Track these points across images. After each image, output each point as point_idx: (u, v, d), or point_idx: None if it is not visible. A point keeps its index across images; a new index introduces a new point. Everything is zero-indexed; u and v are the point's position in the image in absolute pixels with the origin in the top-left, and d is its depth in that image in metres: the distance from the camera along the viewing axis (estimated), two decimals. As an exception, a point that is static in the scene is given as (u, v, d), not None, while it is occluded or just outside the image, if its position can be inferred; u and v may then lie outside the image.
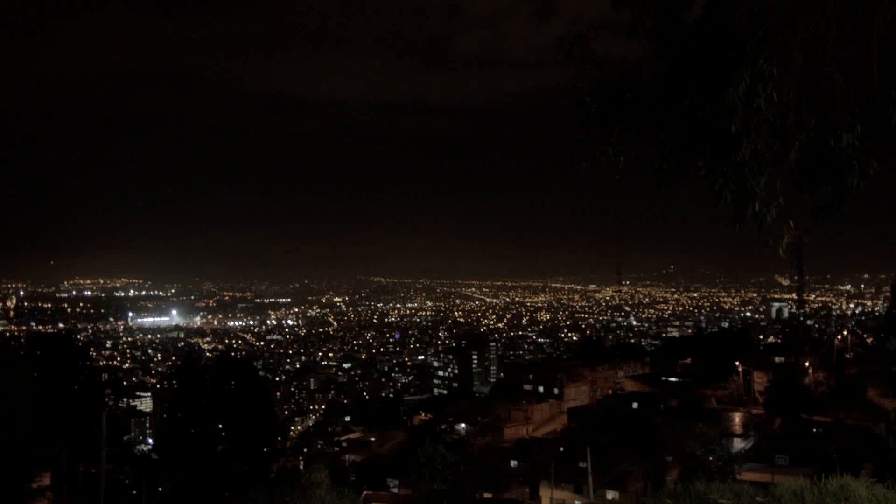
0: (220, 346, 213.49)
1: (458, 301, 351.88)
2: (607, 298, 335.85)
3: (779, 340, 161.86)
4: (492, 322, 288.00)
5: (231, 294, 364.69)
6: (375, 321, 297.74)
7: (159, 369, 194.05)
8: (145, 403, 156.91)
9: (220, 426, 54.64)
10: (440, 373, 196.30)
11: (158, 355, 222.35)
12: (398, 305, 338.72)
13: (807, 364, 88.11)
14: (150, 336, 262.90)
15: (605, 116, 8.24)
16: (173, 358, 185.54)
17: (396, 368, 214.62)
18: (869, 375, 78.84)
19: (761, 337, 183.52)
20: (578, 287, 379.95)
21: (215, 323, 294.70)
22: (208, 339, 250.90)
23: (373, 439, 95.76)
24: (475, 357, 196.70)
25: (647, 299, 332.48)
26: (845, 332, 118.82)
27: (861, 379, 79.33)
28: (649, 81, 8.20)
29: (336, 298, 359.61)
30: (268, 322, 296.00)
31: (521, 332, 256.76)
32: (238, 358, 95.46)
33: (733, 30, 7.61)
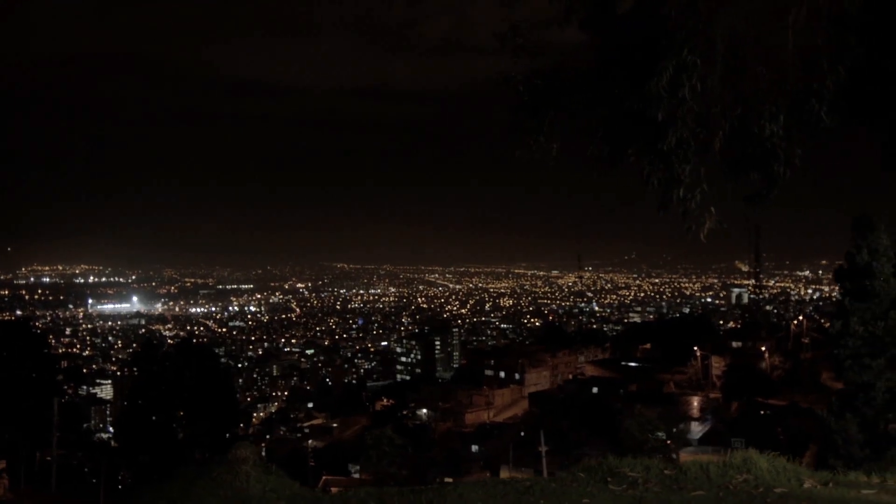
0: (181, 333, 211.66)
1: (421, 287, 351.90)
2: (570, 284, 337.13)
3: (738, 326, 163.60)
4: (455, 308, 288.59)
5: (193, 280, 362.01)
6: (338, 307, 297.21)
7: (120, 356, 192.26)
8: (106, 391, 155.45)
9: (181, 413, 54.46)
10: (403, 359, 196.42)
11: (119, 342, 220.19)
12: (361, 291, 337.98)
13: (763, 349, 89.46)
14: (110, 323, 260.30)
15: (537, 105, 8.45)
16: (134, 345, 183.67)
17: (359, 354, 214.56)
18: (823, 359, 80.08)
19: (721, 322, 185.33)
20: (541, 273, 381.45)
21: (177, 310, 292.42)
22: (170, 325, 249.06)
23: (335, 425, 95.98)
24: (438, 343, 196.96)
25: (609, 285, 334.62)
26: (801, 318, 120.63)
27: (816, 363, 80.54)
28: (582, 71, 8.43)
29: (299, 285, 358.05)
30: (230, 308, 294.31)
31: (484, 318, 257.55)
32: (199, 344, 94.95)
33: (662, 21, 7.83)
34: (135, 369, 63.18)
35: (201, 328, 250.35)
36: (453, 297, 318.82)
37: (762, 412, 65.62)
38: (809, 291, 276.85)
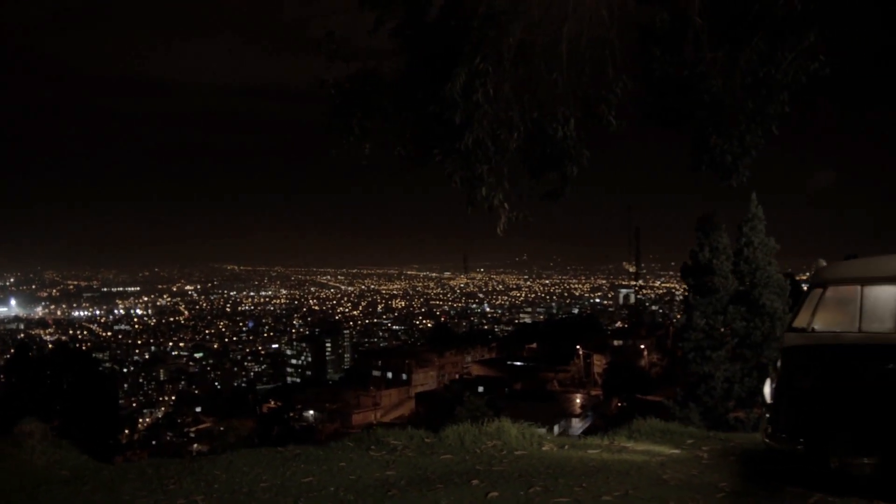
0: (63, 337, 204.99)
1: (313, 289, 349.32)
2: (462, 286, 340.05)
3: (625, 325, 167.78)
4: (347, 310, 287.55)
5: (76, 283, 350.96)
6: (228, 310, 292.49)
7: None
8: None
9: (56, 423, 53.11)
10: (294, 361, 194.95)
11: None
12: (252, 294, 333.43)
13: (643, 347, 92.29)
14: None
15: (347, 107, 8.98)
16: (12, 350, 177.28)
17: (249, 357, 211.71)
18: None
19: (609, 322, 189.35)
20: (434, 274, 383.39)
21: (59, 313, 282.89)
22: (51, 330, 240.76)
23: (222, 429, 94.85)
24: (329, 345, 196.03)
25: (500, 286, 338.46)
26: (680, 316, 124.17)
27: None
28: (390, 76, 8.98)
29: (188, 287, 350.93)
30: (115, 312, 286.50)
31: (376, 320, 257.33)
32: (78, 349, 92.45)
33: (462, 31, 8.43)
34: (9, 376, 61.32)
35: (85, 332, 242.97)
36: (345, 298, 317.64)
37: (640, 408, 67.62)
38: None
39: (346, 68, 8.97)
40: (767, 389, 9.81)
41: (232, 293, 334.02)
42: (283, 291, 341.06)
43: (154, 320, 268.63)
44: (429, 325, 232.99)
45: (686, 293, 27.70)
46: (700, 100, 10.61)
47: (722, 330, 25.14)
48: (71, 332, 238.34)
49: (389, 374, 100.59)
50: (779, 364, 9.71)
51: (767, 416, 9.65)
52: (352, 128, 8.89)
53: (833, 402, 9.02)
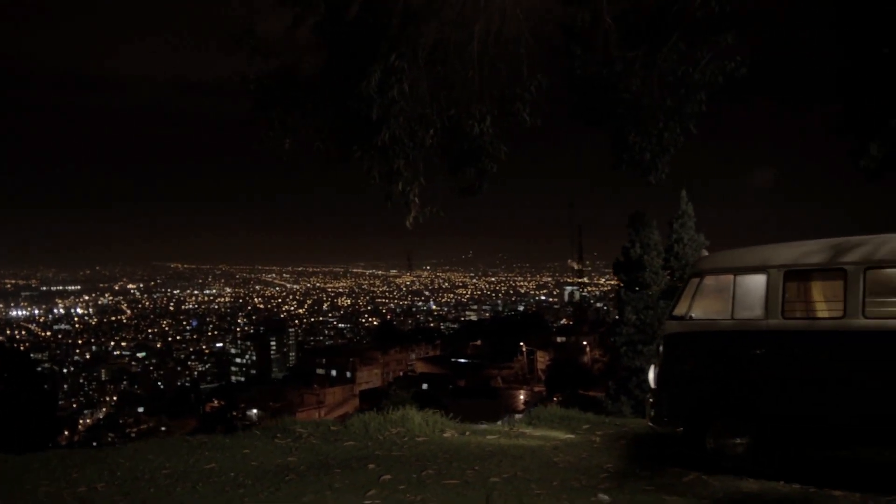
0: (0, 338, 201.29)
1: (258, 287, 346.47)
2: (408, 283, 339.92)
3: (570, 322, 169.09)
4: (292, 308, 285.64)
5: (13, 282, 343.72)
6: (172, 308, 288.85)
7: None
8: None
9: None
10: (238, 360, 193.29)
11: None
12: (196, 292, 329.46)
13: (585, 343, 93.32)
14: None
15: (268, 103, 9.09)
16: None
17: (193, 356, 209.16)
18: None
19: (554, 319, 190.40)
20: (380, 272, 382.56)
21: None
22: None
23: (163, 428, 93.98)
24: (274, 343, 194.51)
25: (446, 284, 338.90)
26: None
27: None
28: (310, 72, 9.12)
29: (130, 285, 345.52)
30: (55, 311, 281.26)
31: (321, 318, 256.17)
32: (14, 349, 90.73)
33: (381, 28, 8.59)
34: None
35: (23, 332, 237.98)
36: (291, 296, 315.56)
37: (581, 403, 68.35)
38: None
39: (267, 64, 9.10)
40: (651, 375, 10.20)
41: (175, 291, 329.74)
42: (228, 290, 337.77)
43: (95, 319, 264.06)
44: (375, 323, 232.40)
45: (619, 289, 28.22)
46: (620, 98, 10.90)
47: (653, 324, 25.68)
48: (8, 331, 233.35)
49: (334, 373, 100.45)
50: (661, 351, 10.14)
51: (651, 401, 10.06)
52: (272, 123, 9.03)
53: (708, 387, 9.49)
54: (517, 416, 71.21)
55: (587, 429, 12.77)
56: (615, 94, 10.92)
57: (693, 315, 9.74)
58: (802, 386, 8.78)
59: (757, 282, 9.26)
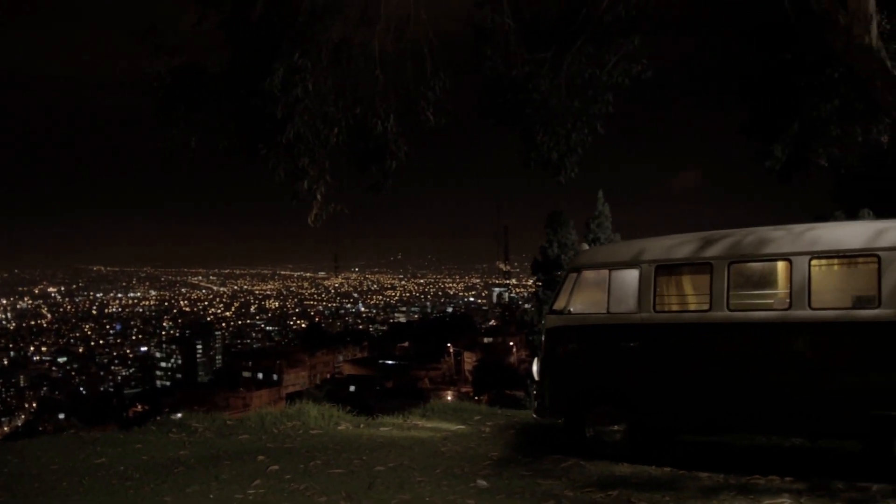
0: None
1: (184, 290, 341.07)
2: (336, 285, 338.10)
3: (498, 323, 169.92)
4: (219, 311, 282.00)
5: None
6: (94, 312, 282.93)
7: None
8: None
9: None
10: (163, 364, 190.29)
11: None
12: (120, 295, 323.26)
13: (512, 344, 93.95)
14: None
15: (171, 101, 9.08)
16: None
17: (117, 361, 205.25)
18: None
19: (483, 320, 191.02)
20: (308, 275, 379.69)
21: None
22: None
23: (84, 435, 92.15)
24: (200, 346, 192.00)
25: (375, 286, 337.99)
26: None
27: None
28: (214, 69, 9.13)
29: (51, 289, 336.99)
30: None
31: (249, 321, 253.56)
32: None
33: (286, 26, 8.65)
34: None
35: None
36: (217, 299, 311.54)
37: (508, 404, 68.85)
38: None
39: (172, 62, 9.09)
40: (535, 368, 10.55)
41: (98, 295, 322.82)
42: (153, 293, 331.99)
43: (13, 324, 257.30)
44: (303, 325, 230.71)
45: (537, 288, 28.54)
46: (528, 99, 11.10)
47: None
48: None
49: (260, 375, 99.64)
50: (542, 344, 10.44)
51: (535, 392, 10.39)
52: (176, 121, 9.03)
53: (587, 379, 9.91)
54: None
55: (478, 420, 13.20)
56: (524, 95, 11.11)
57: (572, 309, 10.07)
58: (674, 376, 9.19)
59: (630, 276, 9.60)
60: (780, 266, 8.76)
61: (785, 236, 8.70)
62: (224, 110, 9.21)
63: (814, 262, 8.35)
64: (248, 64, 8.81)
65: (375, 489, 7.96)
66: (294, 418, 11.97)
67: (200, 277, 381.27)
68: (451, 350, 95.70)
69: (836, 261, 8.50)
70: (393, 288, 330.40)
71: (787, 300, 8.45)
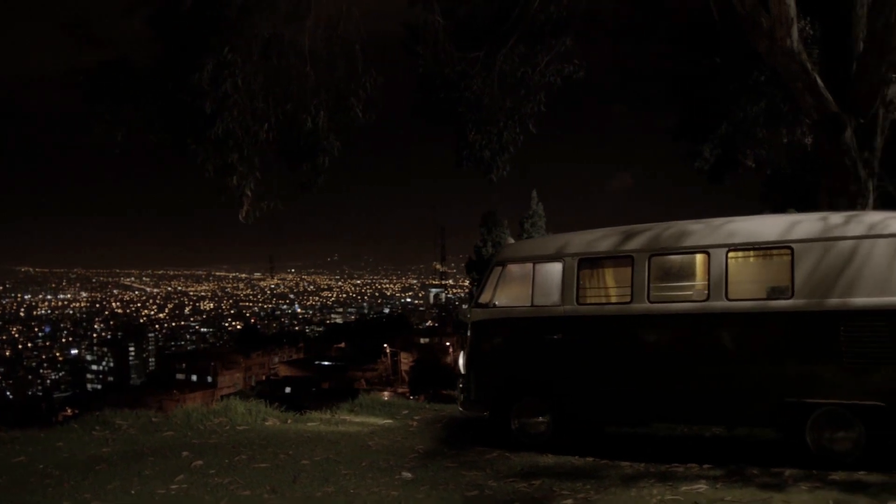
0: None
1: (116, 291, 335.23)
2: (272, 287, 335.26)
3: (435, 324, 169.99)
4: (153, 312, 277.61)
5: None
6: (22, 314, 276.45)
7: None
8: None
9: None
10: (94, 367, 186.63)
11: None
12: (49, 297, 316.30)
13: (448, 344, 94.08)
14: None
15: (97, 95, 8.96)
16: None
17: (46, 364, 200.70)
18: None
19: (420, 321, 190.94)
20: (243, 276, 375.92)
21: None
22: None
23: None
24: (133, 349, 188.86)
25: (311, 287, 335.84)
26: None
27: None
28: (143, 64, 9.04)
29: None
30: None
31: (183, 323, 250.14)
32: None
33: (216, 21, 8.59)
34: None
35: None
36: (151, 301, 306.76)
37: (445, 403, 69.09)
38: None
39: (99, 56, 8.98)
40: (461, 362, 10.63)
41: (26, 297, 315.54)
42: (84, 294, 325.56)
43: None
44: (238, 326, 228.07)
45: (472, 288, 28.71)
46: (461, 97, 11.17)
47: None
48: None
49: (195, 378, 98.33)
50: (468, 338, 10.55)
51: (460, 386, 10.48)
52: (102, 115, 8.91)
53: (511, 371, 10.06)
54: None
55: (406, 414, 13.26)
56: (456, 93, 11.18)
57: (497, 303, 10.17)
58: (597, 368, 9.38)
59: (554, 269, 9.75)
60: (699, 258, 8.97)
61: (703, 229, 8.89)
62: (153, 105, 9.12)
63: (731, 254, 8.57)
64: (177, 59, 8.74)
65: (300, 482, 7.99)
66: (220, 415, 11.89)
67: (133, 278, 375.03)
68: (388, 351, 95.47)
69: (751, 253, 8.70)
70: (329, 289, 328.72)
71: (706, 292, 8.66)
